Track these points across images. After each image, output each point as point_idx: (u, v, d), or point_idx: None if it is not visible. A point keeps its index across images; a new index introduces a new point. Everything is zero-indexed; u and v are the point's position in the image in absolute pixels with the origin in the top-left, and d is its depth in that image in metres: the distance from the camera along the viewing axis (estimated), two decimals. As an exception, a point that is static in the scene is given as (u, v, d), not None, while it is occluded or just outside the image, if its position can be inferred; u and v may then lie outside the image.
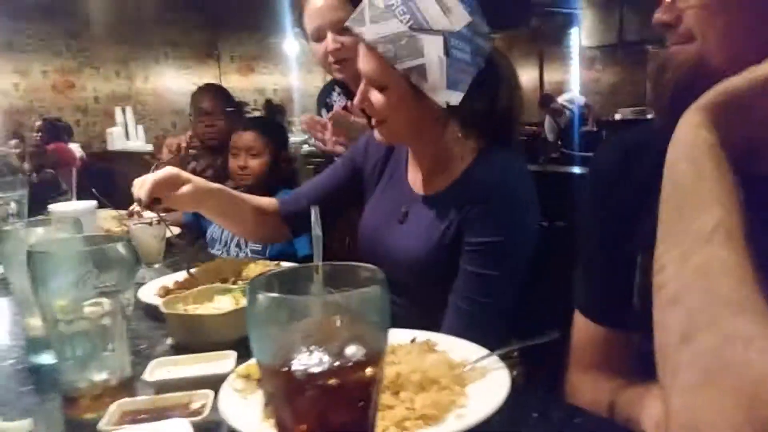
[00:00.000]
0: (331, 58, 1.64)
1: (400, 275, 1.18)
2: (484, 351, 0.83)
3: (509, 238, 1.11)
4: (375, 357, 0.49)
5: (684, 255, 0.52)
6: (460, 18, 1.08)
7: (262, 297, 0.47)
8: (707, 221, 0.52)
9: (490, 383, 0.75)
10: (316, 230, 0.59)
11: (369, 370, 0.48)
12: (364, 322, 0.49)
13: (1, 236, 0.96)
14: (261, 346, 0.48)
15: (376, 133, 1.21)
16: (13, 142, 4.12)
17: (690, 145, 0.57)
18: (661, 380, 0.51)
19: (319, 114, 1.96)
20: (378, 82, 1.13)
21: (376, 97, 1.15)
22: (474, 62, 1.11)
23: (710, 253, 0.50)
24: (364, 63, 1.14)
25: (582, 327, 0.86)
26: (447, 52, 1.07)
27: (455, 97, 1.10)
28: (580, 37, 9.59)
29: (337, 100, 1.85)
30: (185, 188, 1.25)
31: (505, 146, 1.19)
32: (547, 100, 7.42)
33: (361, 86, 1.17)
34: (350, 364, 0.47)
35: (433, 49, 1.06)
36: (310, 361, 0.47)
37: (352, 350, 0.48)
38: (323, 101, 1.94)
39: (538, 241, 1.14)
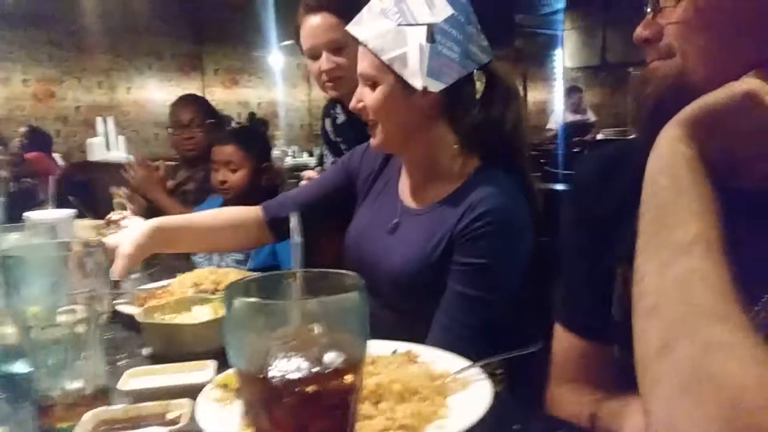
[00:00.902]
0: (325, 77, 1.67)
1: (385, 287, 1.18)
2: (466, 362, 0.82)
3: (499, 261, 1.10)
4: (354, 364, 0.48)
5: (663, 266, 0.52)
6: (441, 10, 1.13)
7: (239, 302, 0.47)
8: (686, 233, 0.52)
9: (472, 394, 0.75)
10: (296, 237, 0.58)
11: (348, 378, 0.48)
12: (342, 329, 0.48)
13: (-23, 242, 0.94)
14: (238, 352, 0.48)
15: (372, 140, 1.24)
16: (8, 150, 4.05)
17: (669, 159, 0.57)
18: (641, 390, 0.51)
19: (323, 125, 2.00)
20: (370, 78, 1.17)
21: (369, 96, 1.19)
22: (462, 63, 1.14)
23: (689, 264, 0.51)
24: (360, 62, 1.19)
25: (562, 340, 0.86)
26: (430, 40, 1.11)
27: (434, 85, 1.12)
28: (564, 58, 9.74)
29: (340, 113, 1.88)
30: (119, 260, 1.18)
31: (506, 168, 1.19)
32: (573, 90, 7.98)
33: (358, 88, 1.21)
34: (329, 371, 0.47)
35: (415, 38, 1.11)
36: (287, 367, 0.46)
37: (331, 357, 0.47)
38: (327, 113, 1.97)
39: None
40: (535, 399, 0.89)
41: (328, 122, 1.96)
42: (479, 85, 1.17)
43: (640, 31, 0.70)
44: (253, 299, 0.48)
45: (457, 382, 0.78)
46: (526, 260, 1.13)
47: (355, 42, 1.19)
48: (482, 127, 1.17)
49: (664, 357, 0.48)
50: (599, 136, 7.36)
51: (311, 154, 6.62)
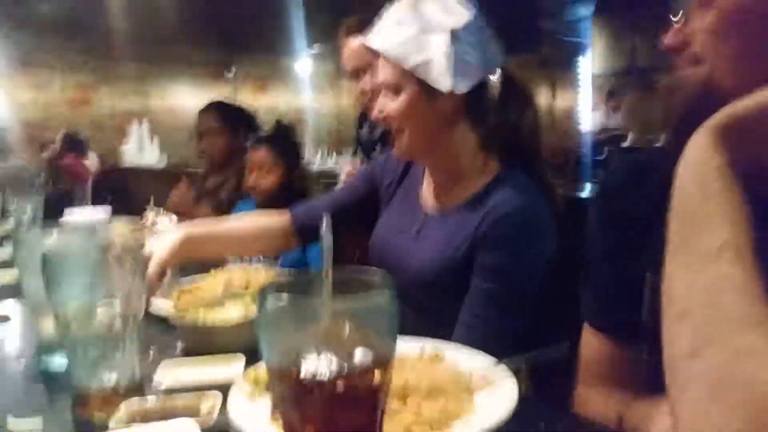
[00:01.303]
0: (368, 96, 1.71)
1: (410, 290, 1.19)
2: (493, 361, 0.83)
3: (522, 260, 1.11)
4: (383, 362, 0.49)
5: (692, 272, 0.52)
6: (461, 16, 1.16)
7: (272, 300, 0.48)
8: (715, 239, 0.52)
9: (498, 393, 0.75)
10: (327, 237, 0.60)
11: (377, 375, 0.49)
12: (372, 327, 0.49)
13: (17, 241, 0.97)
14: (270, 349, 0.49)
15: (395, 148, 1.25)
16: (45, 154, 4.17)
17: (698, 166, 0.57)
18: (669, 395, 0.50)
19: (360, 127, 2.03)
20: (392, 85, 1.19)
21: (391, 104, 1.20)
22: (481, 67, 1.17)
23: (718, 269, 0.50)
24: (380, 72, 1.21)
25: (590, 340, 0.86)
26: (453, 43, 1.13)
27: (461, 86, 1.14)
28: (591, 64, 9.64)
29: (379, 128, 1.94)
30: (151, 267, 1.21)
31: (526, 170, 1.20)
32: (614, 93, 8.09)
33: (379, 98, 1.23)
34: (358, 369, 0.48)
35: (438, 44, 1.13)
36: (318, 364, 0.47)
37: (361, 355, 0.48)
38: (364, 121, 2.00)
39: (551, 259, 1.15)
40: (561, 398, 0.89)
41: (365, 131, 1.99)
42: (495, 89, 1.20)
43: (668, 39, 0.70)
44: (285, 298, 0.49)
45: (483, 380, 0.79)
46: (548, 260, 1.14)
47: (374, 54, 1.21)
48: (500, 129, 1.19)
49: (693, 361, 0.48)
50: (626, 143, 7.28)
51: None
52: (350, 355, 0.48)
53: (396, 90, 1.18)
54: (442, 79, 1.13)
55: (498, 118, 1.19)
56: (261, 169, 2.11)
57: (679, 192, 0.58)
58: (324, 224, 0.61)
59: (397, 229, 1.31)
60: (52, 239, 0.97)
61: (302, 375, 0.47)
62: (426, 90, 1.16)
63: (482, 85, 1.18)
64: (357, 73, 1.74)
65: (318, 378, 0.47)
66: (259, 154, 2.12)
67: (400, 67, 1.16)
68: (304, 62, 7.82)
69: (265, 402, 0.73)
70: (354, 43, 1.72)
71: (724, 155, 0.57)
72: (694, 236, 0.54)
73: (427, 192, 1.30)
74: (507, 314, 1.11)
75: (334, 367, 0.47)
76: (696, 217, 0.55)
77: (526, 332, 1.10)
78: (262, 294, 0.49)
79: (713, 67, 0.66)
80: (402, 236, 1.27)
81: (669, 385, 0.51)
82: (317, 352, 0.47)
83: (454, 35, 1.13)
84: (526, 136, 1.22)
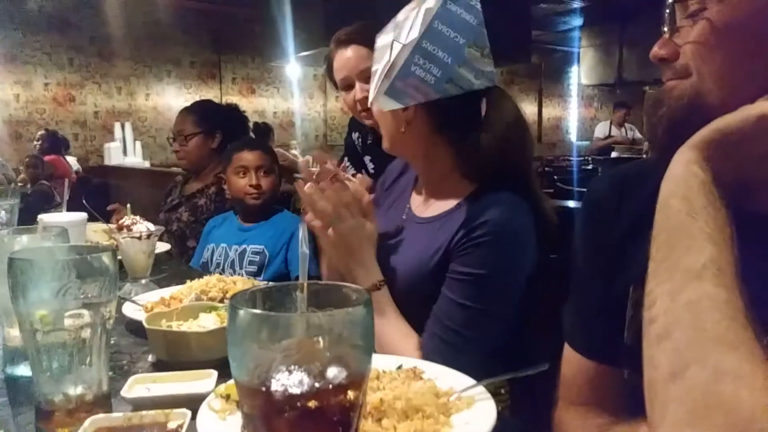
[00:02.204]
0: (360, 106, 1.71)
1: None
2: (472, 381, 0.81)
3: (496, 272, 1.08)
4: (357, 380, 0.48)
5: (674, 291, 0.51)
6: (431, 31, 1.09)
7: (243, 313, 0.46)
8: (698, 258, 0.51)
9: (476, 414, 0.74)
10: (303, 248, 0.58)
11: (350, 394, 0.47)
12: (347, 344, 0.48)
13: (-11, 244, 0.94)
14: (240, 364, 0.47)
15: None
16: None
17: (683, 182, 0.56)
18: (650, 416, 0.50)
19: (350, 135, 2.01)
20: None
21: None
22: (437, 87, 1.10)
23: (700, 289, 0.50)
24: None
25: (571, 361, 0.85)
26: (398, 60, 1.10)
27: (387, 104, 1.13)
28: (580, 75, 9.74)
29: (371, 136, 1.93)
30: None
31: (512, 185, 1.16)
32: (620, 105, 7.97)
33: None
34: (331, 386, 0.46)
35: (386, 56, 1.13)
36: (289, 381, 0.46)
37: (334, 372, 0.46)
38: (355, 127, 1.99)
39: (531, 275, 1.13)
40: (541, 420, 0.88)
41: (355, 136, 1.98)
42: (483, 106, 1.16)
43: (657, 50, 0.69)
44: (257, 310, 0.47)
45: (461, 400, 0.77)
46: (527, 274, 1.12)
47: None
48: (486, 148, 1.14)
49: (674, 382, 0.47)
50: (613, 154, 7.34)
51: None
52: (323, 372, 0.46)
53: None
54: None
55: (485, 136, 1.15)
56: (260, 170, 2.05)
57: (663, 207, 0.57)
58: (300, 235, 0.59)
59: (382, 235, 1.29)
60: (23, 242, 0.94)
61: (272, 392, 0.45)
62: None
63: (461, 103, 1.13)
64: (348, 83, 1.73)
65: (289, 395, 0.45)
66: (257, 156, 2.06)
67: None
68: (292, 66, 7.81)
69: (236, 420, 0.71)
70: (344, 53, 1.72)
71: (708, 171, 0.56)
72: (677, 254, 0.53)
73: (416, 198, 1.30)
74: (482, 327, 1.08)
75: (306, 384, 0.45)
76: (679, 235, 0.54)
77: (506, 352, 1.07)
78: (234, 305, 0.47)
79: (701, 79, 0.65)
80: (386, 242, 1.26)
81: (649, 406, 0.50)
82: (289, 369, 0.46)
83: (412, 52, 1.09)
84: (515, 154, 1.18)
